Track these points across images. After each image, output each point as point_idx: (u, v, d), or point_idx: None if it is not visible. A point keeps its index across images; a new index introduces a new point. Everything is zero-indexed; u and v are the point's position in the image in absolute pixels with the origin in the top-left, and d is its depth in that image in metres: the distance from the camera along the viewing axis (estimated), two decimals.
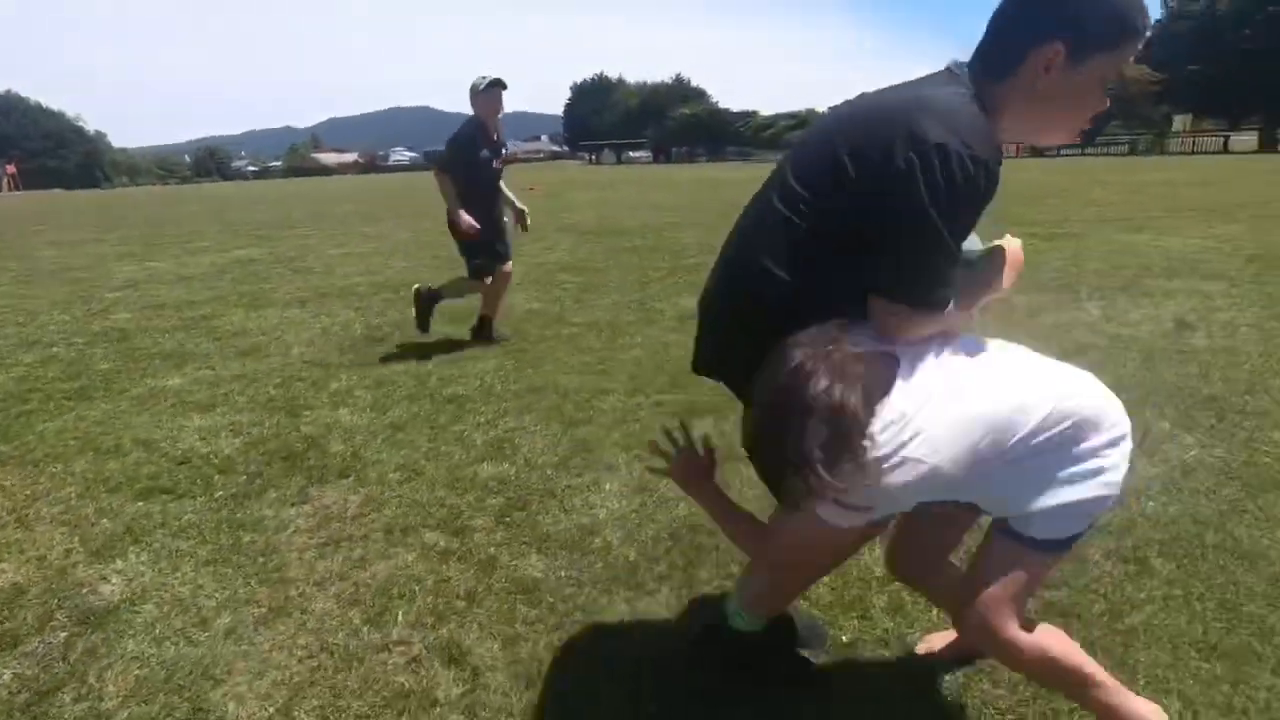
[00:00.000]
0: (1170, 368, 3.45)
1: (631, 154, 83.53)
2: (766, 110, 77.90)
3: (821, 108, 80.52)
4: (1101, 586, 1.83)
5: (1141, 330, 4.14)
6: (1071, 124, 1.19)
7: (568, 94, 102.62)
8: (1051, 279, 5.66)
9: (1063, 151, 46.61)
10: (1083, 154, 43.40)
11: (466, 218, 4.10)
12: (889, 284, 1.13)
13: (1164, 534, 2.03)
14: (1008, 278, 1.29)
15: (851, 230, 1.14)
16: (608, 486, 2.48)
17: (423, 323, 4.49)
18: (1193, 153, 36.64)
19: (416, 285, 4.57)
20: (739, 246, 1.33)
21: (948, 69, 1.22)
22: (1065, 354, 3.42)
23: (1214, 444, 2.61)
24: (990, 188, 1.10)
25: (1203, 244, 7.10)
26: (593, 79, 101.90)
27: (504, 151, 4.32)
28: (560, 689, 1.55)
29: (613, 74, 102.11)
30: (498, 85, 4.14)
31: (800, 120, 68.32)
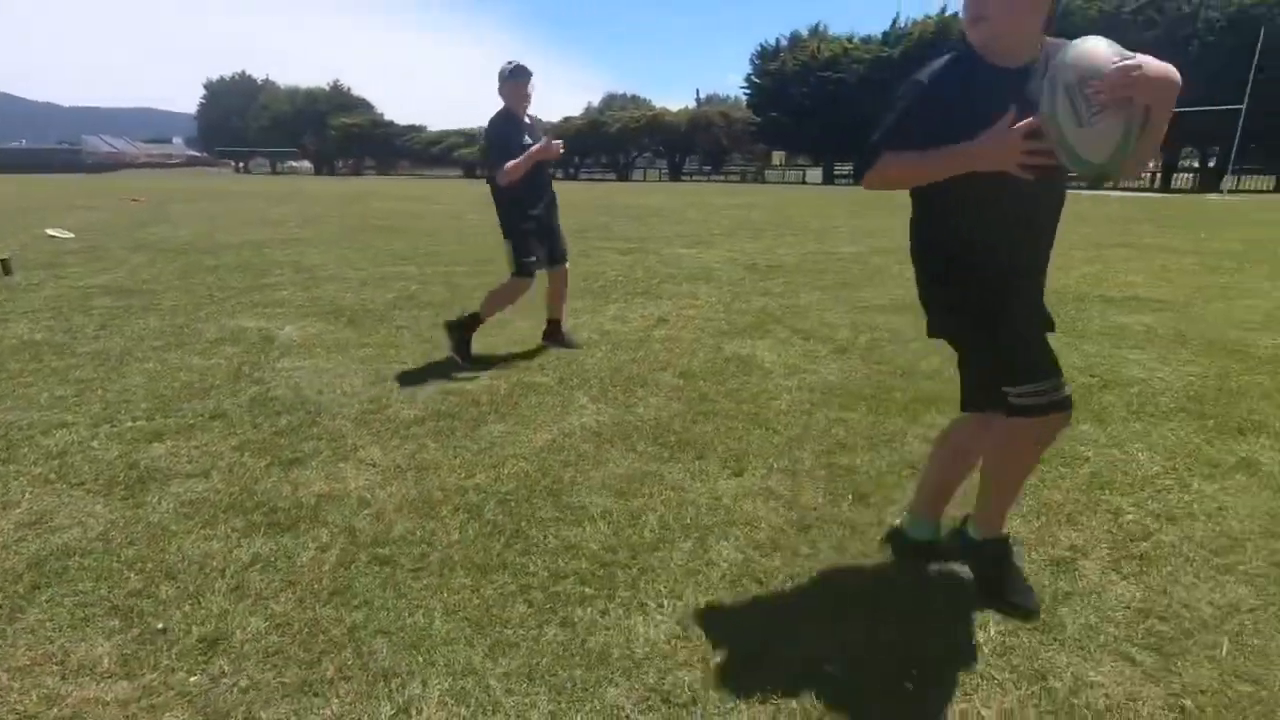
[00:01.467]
0: (623, 354, 4.32)
1: (292, 164, 75.99)
2: (436, 126, 76.73)
3: None
4: (438, 539, 2.25)
5: (629, 326, 5.09)
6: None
7: (202, 93, 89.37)
8: (599, 286, 6.62)
9: (693, 177, 54.35)
10: (708, 180, 51.18)
11: (538, 150, 3.90)
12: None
13: (507, 486, 2.58)
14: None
15: None
16: None
17: (463, 351, 4.16)
18: (783, 182, 45.60)
19: (446, 320, 4.33)
20: None
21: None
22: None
23: (607, 409, 3.35)
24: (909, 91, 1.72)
25: (728, 256, 8.91)
26: (233, 77, 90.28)
27: (542, 136, 4.09)
28: None
29: (258, 74, 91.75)
30: (524, 72, 4.00)
31: (471, 137, 68.81)
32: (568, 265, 4.52)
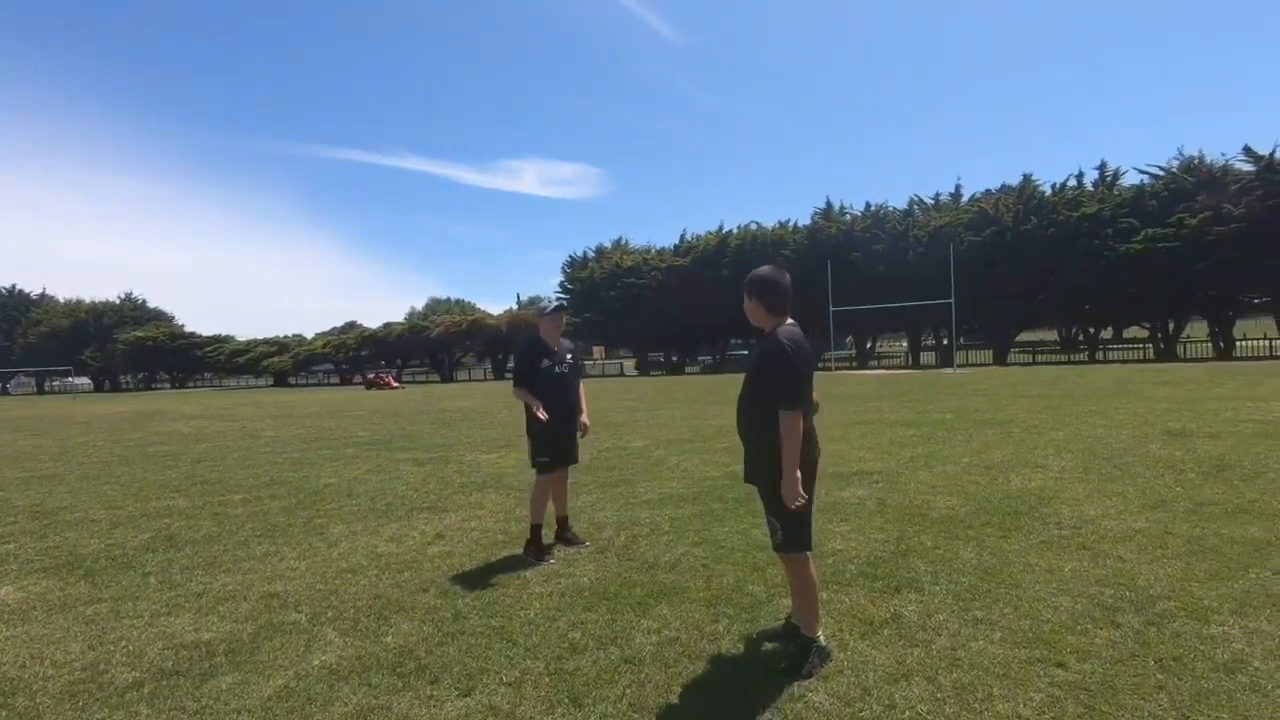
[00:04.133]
0: (389, 578, 4.37)
1: (73, 380, 68.01)
2: (244, 335, 73.49)
3: (309, 334, 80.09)
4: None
5: (404, 546, 5.15)
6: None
7: None
8: (384, 504, 6.62)
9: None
10: None
11: (537, 405, 4.56)
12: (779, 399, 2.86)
13: None
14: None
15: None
16: None
17: (540, 552, 4.71)
18: (602, 375, 48.31)
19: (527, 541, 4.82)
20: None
21: None
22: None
23: (355, 642, 3.38)
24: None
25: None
26: None
27: (569, 358, 4.87)
28: None
29: (31, 288, 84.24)
30: (562, 310, 4.93)
31: (281, 346, 66.45)
32: (569, 468, 5.02)
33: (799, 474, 2.87)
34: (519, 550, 4.90)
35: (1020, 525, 4.93)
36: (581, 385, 5.09)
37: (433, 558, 4.82)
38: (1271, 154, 32.84)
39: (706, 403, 17.89)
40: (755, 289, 3.04)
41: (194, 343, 70.55)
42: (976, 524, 5.01)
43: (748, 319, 3.13)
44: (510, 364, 60.64)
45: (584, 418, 4.99)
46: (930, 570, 4.05)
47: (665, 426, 12.46)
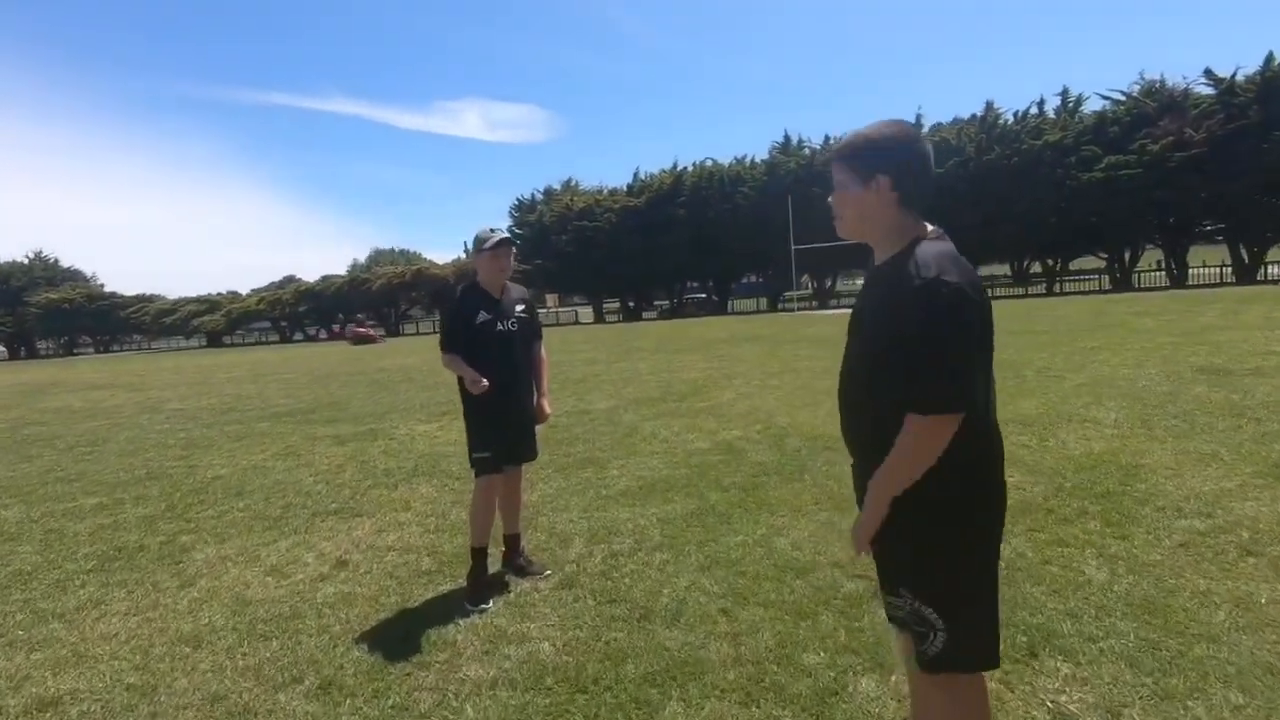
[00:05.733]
0: (251, 654, 2.87)
1: None
2: (173, 294, 68.88)
3: (245, 290, 75.18)
4: None
5: (291, 580, 3.63)
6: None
7: None
8: (281, 506, 5.05)
9: None
10: None
11: (472, 376, 3.14)
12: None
13: None
14: None
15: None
16: None
17: (481, 590, 3.24)
18: (556, 324, 46.45)
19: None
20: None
21: None
22: None
23: None
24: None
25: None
26: None
27: (520, 310, 3.41)
28: None
29: None
30: (509, 243, 3.37)
31: (212, 303, 62.27)
32: (523, 466, 3.65)
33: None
34: (452, 584, 3.44)
35: (1130, 515, 3.67)
36: (541, 350, 3.61)
37: (323, 606, 3.32)
38: (1231, 76, 32.28)
39: (671, 351, 16.49)
40: (877, 158, 1.53)
41: (116, 304, 65.78)
42: (1071, 514, 3.73)
43: (835, 226, 1.65)
44: None
45: (543, 400, 3.55)
46: (1063, 609, 2.73)
47: (631, 382, 11.01)
